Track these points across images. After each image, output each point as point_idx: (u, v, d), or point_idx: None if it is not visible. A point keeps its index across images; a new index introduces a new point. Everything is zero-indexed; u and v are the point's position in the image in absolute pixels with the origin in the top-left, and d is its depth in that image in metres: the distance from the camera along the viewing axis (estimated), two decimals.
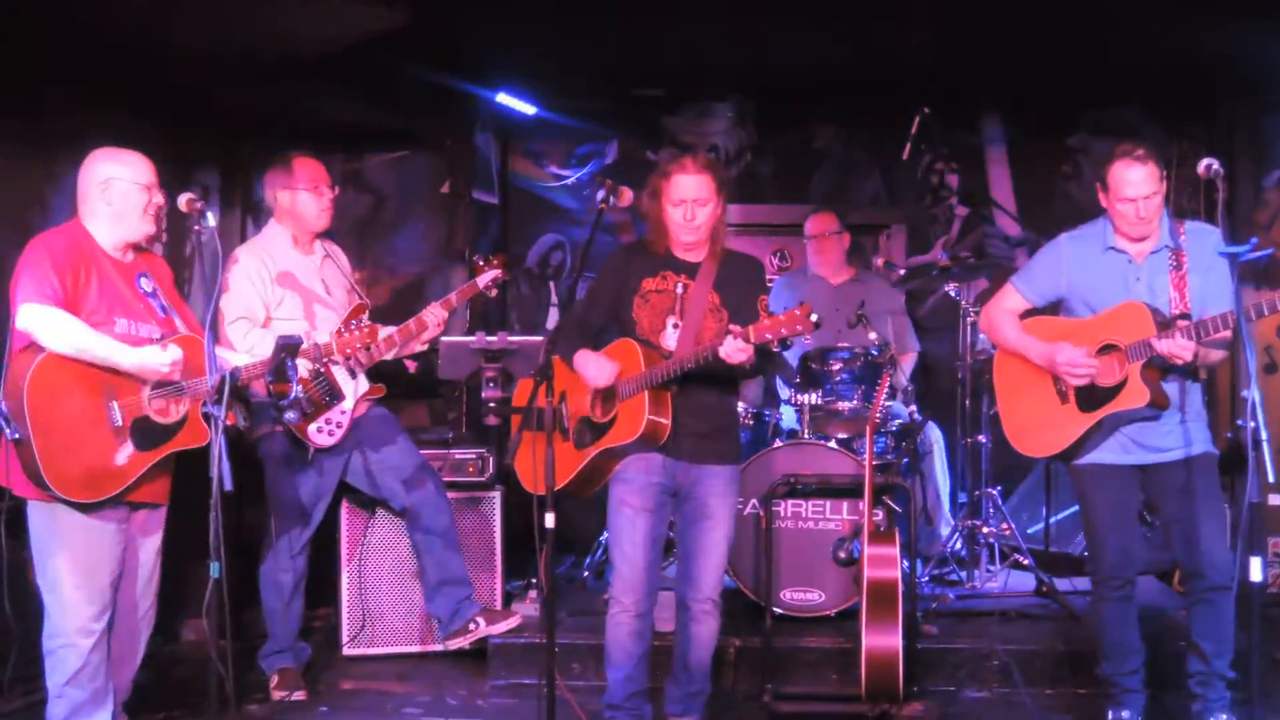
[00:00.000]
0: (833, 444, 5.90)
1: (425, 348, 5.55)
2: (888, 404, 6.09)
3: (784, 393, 6.41)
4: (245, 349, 4.99)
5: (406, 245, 7.71)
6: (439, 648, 5.72)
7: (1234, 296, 4.02)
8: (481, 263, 5.56)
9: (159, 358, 4.30)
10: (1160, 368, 4.47)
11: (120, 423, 4.28)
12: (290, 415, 4.42)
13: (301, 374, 4.47)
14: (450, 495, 5.69)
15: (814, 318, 4.20)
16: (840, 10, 6.07)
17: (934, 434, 6.67)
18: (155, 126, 5.86)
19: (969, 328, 6.55)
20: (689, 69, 7.27)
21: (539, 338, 5.57)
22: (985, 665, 5.49)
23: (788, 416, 6.26)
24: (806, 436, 6.02)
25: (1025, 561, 6.34)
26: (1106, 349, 4.53)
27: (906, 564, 5.53)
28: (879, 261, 6.97)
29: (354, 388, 5.33)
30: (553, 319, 7.87)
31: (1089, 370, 4.54)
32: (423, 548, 5.52)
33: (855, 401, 6.07)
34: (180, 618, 5.92)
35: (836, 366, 6.13)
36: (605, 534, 5.80)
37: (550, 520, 4.07)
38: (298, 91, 6.58)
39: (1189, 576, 4.62)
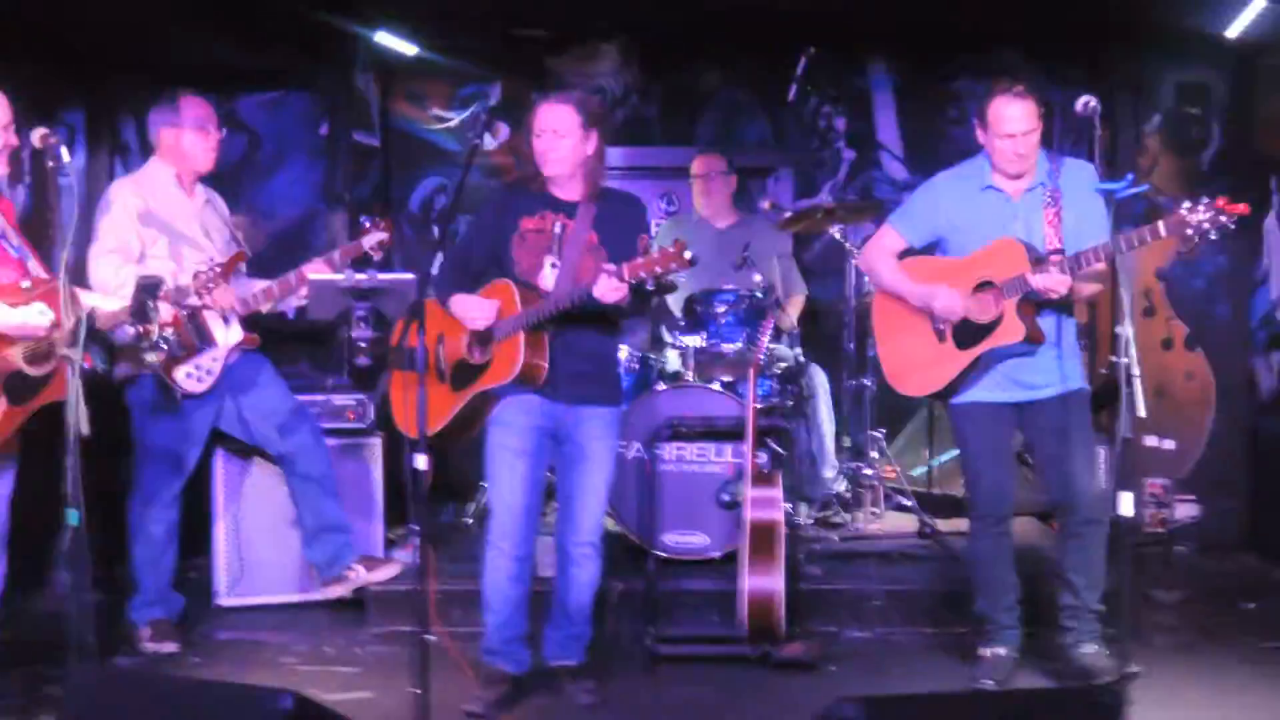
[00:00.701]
0: (717, 386, 5.86)
1: (305, 302, 5.42)
2: (772, 347, 6.07)
3: (668, 336, 6.35)
4: (116, 284, 4.84)
5: (284, 189, 7.51)
6: (317, 596, 5.63)
7: (1109, 230, 4.04)
8: (368, 224, 5.42)
9: (40, 319, 4.17)
10: (1035, 303, 4.48)
11: None
12: (151, 358, 4.27)
13: (164, 316, 4.32)
14: (330, 442, 5.58)
15: (689, 254, 4.14)
16: None
17: (819, 377, 6.66)
18: (15, 65, 5.60)
19: (855, 271, 6.54)
20: (573, 9, 7.13)
21: (410, 275, 5.42)
22: (866, 605, 5.52)
23: (672, 360, 6.21)
24: (691, 379, 5.97)
25: (908, 503, 6.39)
26: (982, 286, 4.54)
27: (790, 506, 5.54)
28: (765, 204, 6.92)
29: (226, 334, 5.18)
30: (438, 264, 7.71)
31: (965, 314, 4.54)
32: (299, 494, 5.41)
33: (740, 344, 6.03)
34: (50, 570, 5.74)
35: (721, 309, 6.08)
36: None
37: (422, 462, 3.96)
38: (168, 29, 6.35)
39: (1061, 511, 4.67)
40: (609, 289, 4.21)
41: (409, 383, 4.17)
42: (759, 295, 6.11)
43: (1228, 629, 5.46)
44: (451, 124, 7.83)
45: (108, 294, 4.72)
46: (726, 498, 5.61)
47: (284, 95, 7.52)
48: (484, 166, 7.65)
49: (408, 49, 7.34)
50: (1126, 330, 3.89)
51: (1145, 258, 6.50)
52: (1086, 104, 4.18)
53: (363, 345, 5.50)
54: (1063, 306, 4.56)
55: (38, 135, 4.16)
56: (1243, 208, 4.04)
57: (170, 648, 5.21)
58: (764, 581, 5.00)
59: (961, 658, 5.01)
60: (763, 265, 6.36)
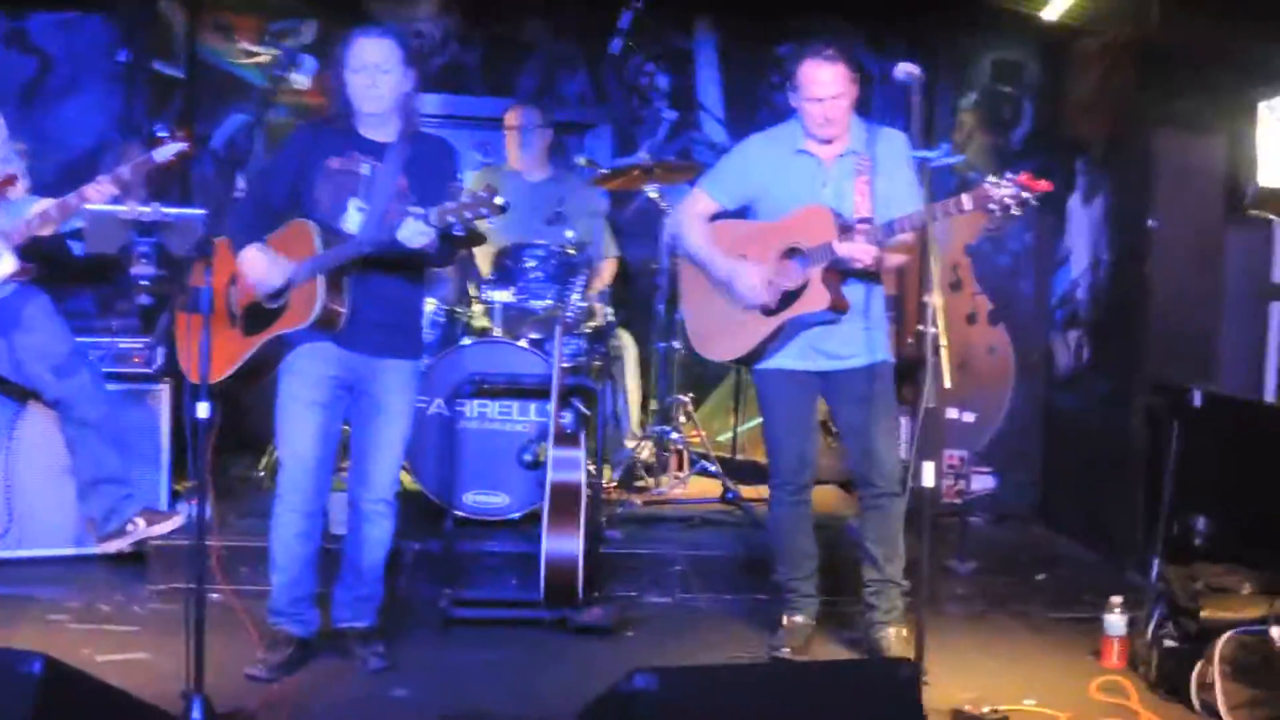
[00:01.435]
0: (524, 343, 5.72)
1: (82, 226, 5.08)
2: (581, 305, 5.95)
3: (476, 290, 6.18)
4: None
5: (77, 116, 7.07)
6: (96, 551, 5.31)
7: (920, 200, 4.02)
8: (164, 134, 5.07)
9: None
10: (841, 272, 4.45)
11: None
12: None
13: None
14: (114, 387, 5.28)
15: (500, 200, 4.00)
16: None
17: (626, 339, 6.57)
18: None
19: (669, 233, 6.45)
20: None
21: (199, 210, 5.12)
22: (667, 571, 5.46)
23: (479, 314, 6.04)
24: (498, 335, 5.82)
25: (712, 469, 6.35)
26: (791, 252, 4.48)
27: (592, 468, 5.44)
28: (581, 160, 6.79)
29: None
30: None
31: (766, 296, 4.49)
32: (76, 442, 5.06)
33: (549, 301, 5.89)
34: None
35: (531, 264, 5.93)
36: None
37: (203, 410, 3.74)
38: None
39: (861, 483, 4.66)
40: (415, 232, 4.04)
41: (195, 326, 3.92)
42: (570, 252, 5.97)
43: (1018, 599, 5.55)
44: (261, 59, 7.49)
45: None
46: (529, 458, 5.47)
47: (80, 17, 7.05)
48: (295, 106, 7.35)
49: None
50: (935, 300, 3.87)
51: (954, 233, 6.56)
52: (907, 72, 4.14)
53: (144, 283, 5.18)
54: (870, 276, 4.54)
55: None
56: (1045, 185, 4.06)
57: None
58: (563, 544, 4.90)
59: (761, 625, 4.99)
60: (576, 222, 6.22)
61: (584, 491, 5.01)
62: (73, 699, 3.20)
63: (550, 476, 5.01)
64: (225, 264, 4.33)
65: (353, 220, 4.32)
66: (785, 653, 4.66)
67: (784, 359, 4.61)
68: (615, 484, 6.30)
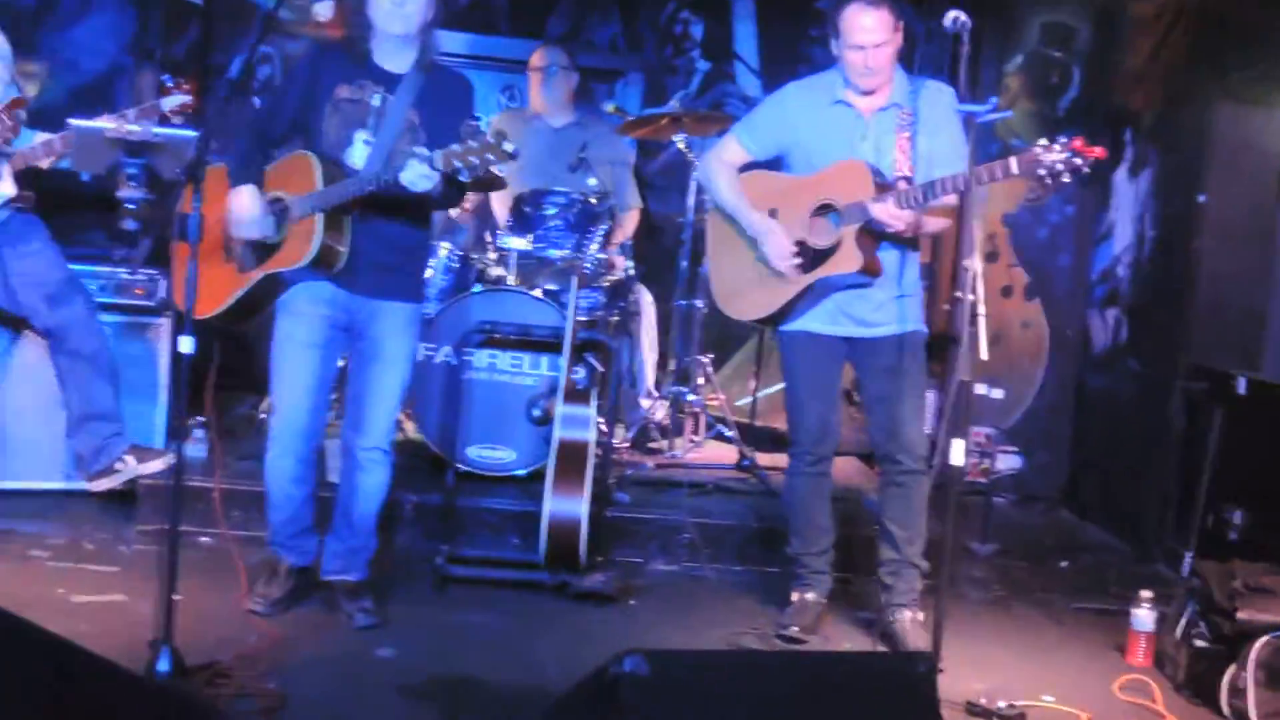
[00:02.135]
0: (538, 293, 5.48)
1: (68, 150, 4.84)
2: (601, 256, 5.71)
3: (491, 236, 5.93)
4: None
5: (89, 39, 6.82)
6: (87, 487, 5.13)
7: (966, 159, 3.76)
8: (169, 83, 4.85)
9: None
10: (876, 234, 4.19)
11: None
12: None
13: None
14: (114, 319, 5.12)
15: (509, 146, 3.76)
16: None
17: (645, 296, 6.33)
18: None
19: (697, 186, 6.18)
20: None
21: (193, 132, 4.86)
22: (676, 538, 5.23)
23: (494, 262, 5.80)
24: (511, 283, 5.58)
25: (729, 434, 6.11)
26: (824, 208, 4.23)
27: (604, 427, 5.21)
28: (608, 106, 6.53)
29: None
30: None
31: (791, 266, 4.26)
32: (67, 374, 4.87)
33: (568, 250, 5.65)
34: None
35: (550, 211, 5.69)
36: None
37: (186, 345, 3.51)
38: None
39: (884, 458, 4.43)
40: (418, 175, 3.82)
41: (186, 255, 3.69)
42: (592, 201, 5.73)
43: (1039, 586, 5.34)
44: None
45: None
46: (537, 413, 5.25)
47: None
48: (318, 39, 7.11)
49: None
50: (975, 265, 3.62)
51: (992, 202, 6.30)
52: (956, 19, 3.87)
53: (131, 207, 4.95)
54: (907, 241, 4.29)
55: None
56: (1099, 150, 3.81)
57: None
58: (568, 505, 4.69)
59: (769, 600, 4.78)
60: (600, 170, 5.97)
61: (592, 451, 4.79)
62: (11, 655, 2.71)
63: (558, 434, 4.79)
64: (222, 190, 4.10)
65: (358, 154, 4.10)
66: (793, 631, 4.44)
67: (811, 321, 4.37)
68: (627, 445, 6.06)
